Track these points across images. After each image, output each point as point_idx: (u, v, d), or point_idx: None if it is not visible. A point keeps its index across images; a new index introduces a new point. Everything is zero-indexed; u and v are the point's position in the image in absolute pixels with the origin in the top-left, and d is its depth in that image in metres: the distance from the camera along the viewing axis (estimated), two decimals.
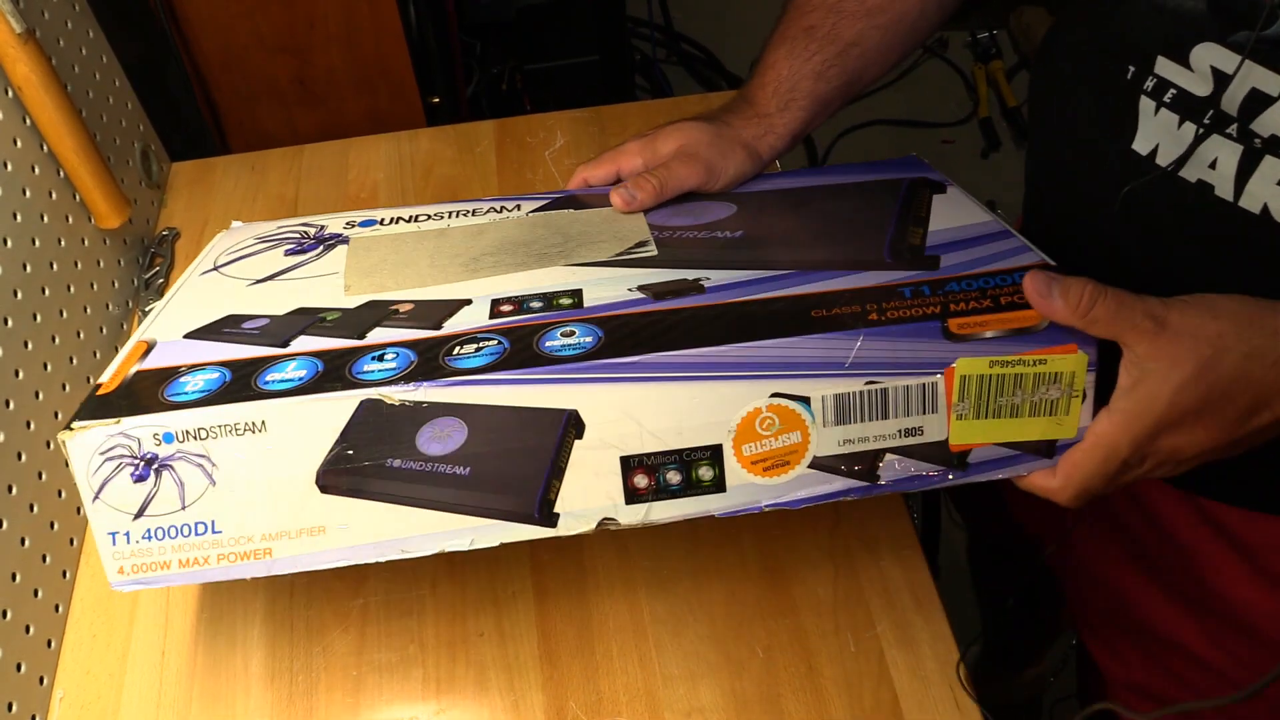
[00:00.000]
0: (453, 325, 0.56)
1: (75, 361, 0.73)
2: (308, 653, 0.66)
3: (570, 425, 0.52)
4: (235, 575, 0.54)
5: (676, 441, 0.53)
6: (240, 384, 0.52)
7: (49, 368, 0.70)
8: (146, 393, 0.53)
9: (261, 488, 0.52)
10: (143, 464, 0.51)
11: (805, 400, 0.52)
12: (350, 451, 0.52)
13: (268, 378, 0.53)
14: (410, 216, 0.72)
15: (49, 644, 0.65)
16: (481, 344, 0.53)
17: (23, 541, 0.63)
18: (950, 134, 2.19)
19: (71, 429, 0.51)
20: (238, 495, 0.52)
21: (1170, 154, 0.60)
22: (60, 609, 0.67)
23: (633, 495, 0.54)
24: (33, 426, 0.66)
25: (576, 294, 0.58)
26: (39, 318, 0.69)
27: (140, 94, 0.92)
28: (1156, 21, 0.58)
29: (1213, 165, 0.58)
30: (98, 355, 0.77)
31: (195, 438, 0.51)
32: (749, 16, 2.41)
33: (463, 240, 0.67)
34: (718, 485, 0.54)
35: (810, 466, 0.54)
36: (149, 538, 0.53)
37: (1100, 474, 0.53)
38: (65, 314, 0.73)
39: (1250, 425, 0.51)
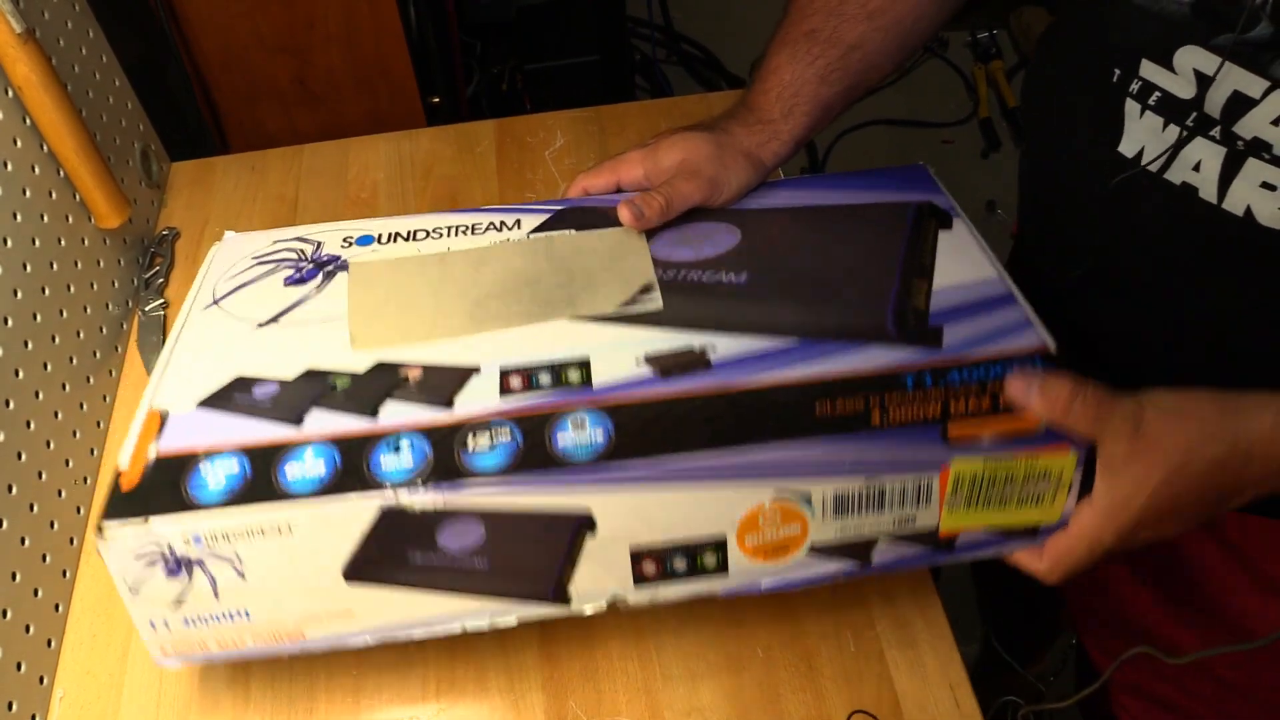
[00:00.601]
0: (464, 401, 0.57)
1: (75, 361, 0.73)
2: None
3: (583, 525, 0.55)
4: (272, 653, 0.58)
5: (683, 536, 0.56)
6: (261, 480, 0.54)
7: (49, 367, 0.70)
8: (169, 486, 0.54)
9: (290, 581, 0.55)
10: (175, 561, 0.53)
11: (806, 497, 0.55)
12: (374, 549, 0.54)
13: (288, 472, 0.54)
14: (408, 233, 0.71)
15: (49, 643, 0.65)
16: (495, 436, 0.55)
17: (22, 541, 0.63)
18: (950, 134, 2.19)
19: (103, 531, 0.52)
20: (268, 588, 0.55)
21: (1156, 156, 0.60)
22: (60, 608, 0.67)
23: (641, 580, 0.57)
24: (32, 426, 0.66)
25: (584, 366, 0.59)
26: (39, 317, 0.69)
27: (140, 94, 0.92)
28: (1141, 25, 0.58)
29: (1196, 168, 0.58)
30: (97, 355, 0.77)
31: (224, 539, 0.53)
32: (749, 17, 2.41)
33: (464, 271, 0.67)
34: (721, 569, 0.57)
35: (808, 552, 0.57)
36: (187, 624, 0.56)
37: (1086, 561, 0.56)
38: (65, 314, 0.73)
39: (1223, 509, 0.54)
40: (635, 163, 0.72)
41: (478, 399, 0.57)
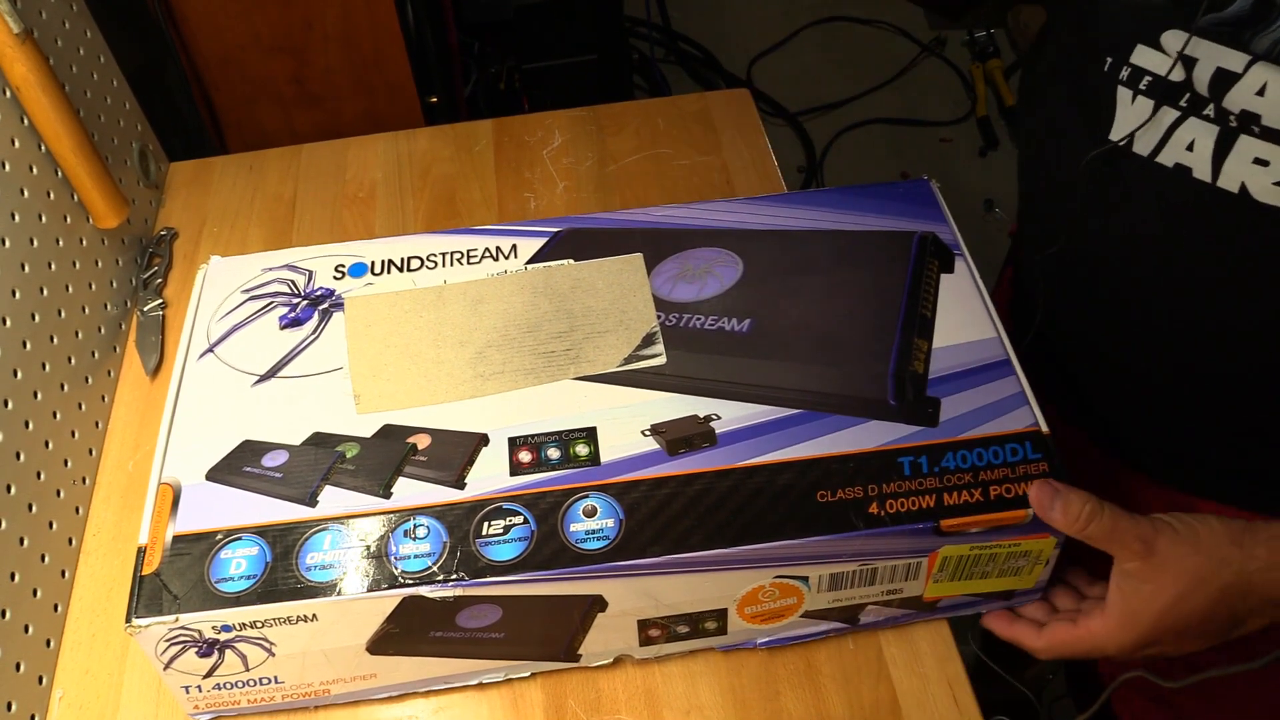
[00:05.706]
0: (475, 479, 0.59)
1: (73, 362, 0.73)
2: None
3: (595, 604, 0.57)
4: (300, 706, 0.61)
5: (688, 610, 0.59)
6: (283, 569, 0.56)
7: (47, 368, 0.70)
8: (192, 574, 0.55)
9: (316, 656, 0.57)
10: (206, 645, 0.56)
11: (804, 578, 0.58)
12: (396, 630, 0.57)
13: (308, 560, 0.56)
14: (402, 261, 0.71)
15: (48, 644, 0.65)
16: (509, 523, 0.57)
17: (21, 541, 0.63)
18: (948, 132, 2.19)
19: (134, 624, 0.54)
20: (295, 661, 0.58)
21: (1148, 139, 0.61)
22: (59, 608, 0.67)
23: (647, 641, 0.61)
24: (31, 426, 0.66)
25: (591, 438, 0.60)
26: (37, 318, 0.69)
27: (138, 94, 0.92)
28: (1128, 14, 0.60)
29: (1190, 148, 0.59)
30: (96, 355, 0.77)
31: (251, 627, 0.55)
32: (747, 16, 2.41)
33: (462, 314, 0.67)
34: (720, 631, 0.61)
35: (802, 616, 0.61)
36: (219, 689, 0.59)
37: (1080, 656, 0.58)
38: (63, 314, 0.73)
39: (1233, 635, 0.56)
40: None
41: (489, 476, 0.59)
